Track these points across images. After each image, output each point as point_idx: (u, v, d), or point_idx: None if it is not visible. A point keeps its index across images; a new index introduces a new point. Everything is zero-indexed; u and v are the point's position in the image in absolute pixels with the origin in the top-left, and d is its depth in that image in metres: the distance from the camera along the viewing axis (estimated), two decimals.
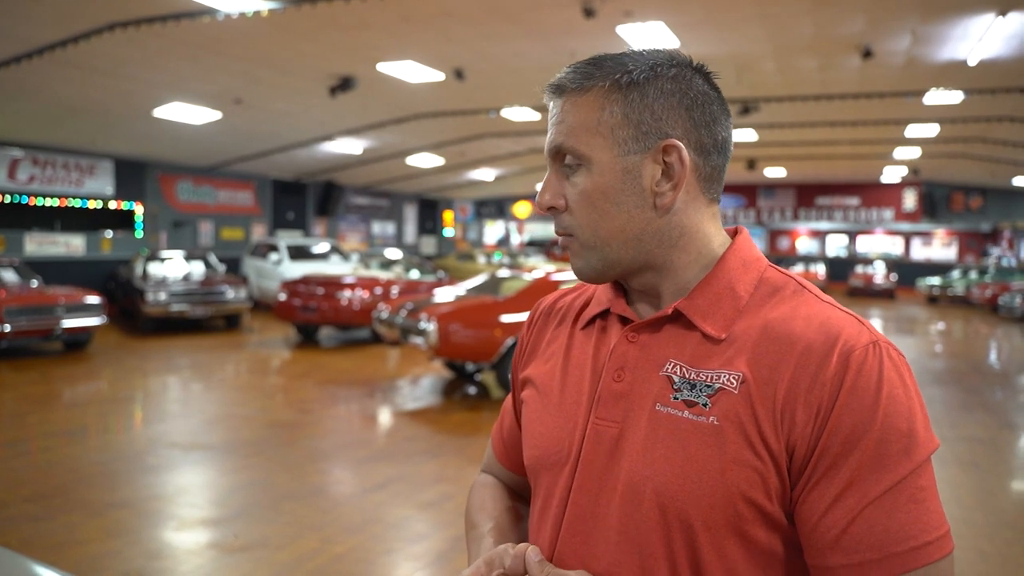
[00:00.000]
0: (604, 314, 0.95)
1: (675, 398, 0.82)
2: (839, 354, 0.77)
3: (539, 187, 0.92)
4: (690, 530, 0.79)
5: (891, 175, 22.60)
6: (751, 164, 19.39)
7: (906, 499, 0.75)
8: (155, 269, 12.59)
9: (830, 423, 0.76)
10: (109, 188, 14.63)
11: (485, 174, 21.46)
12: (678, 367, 0.84)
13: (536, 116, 12.70)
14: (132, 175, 15.09)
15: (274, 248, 15.65)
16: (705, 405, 0.80)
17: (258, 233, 18.15)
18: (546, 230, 27.82)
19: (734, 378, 0.80)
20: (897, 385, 0.77)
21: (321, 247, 16.32)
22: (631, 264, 0.89)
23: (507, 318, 7.34)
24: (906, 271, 24.57)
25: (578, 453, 0.87)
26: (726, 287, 0.87)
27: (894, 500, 0.75)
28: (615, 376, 0.87)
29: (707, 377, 0.81)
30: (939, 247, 25.55)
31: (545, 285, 7.86)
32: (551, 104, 0.90)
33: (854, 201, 24.99)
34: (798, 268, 24.10)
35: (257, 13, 7.29)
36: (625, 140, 0.85)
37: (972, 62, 8.94)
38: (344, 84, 10.12)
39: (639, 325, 0.89)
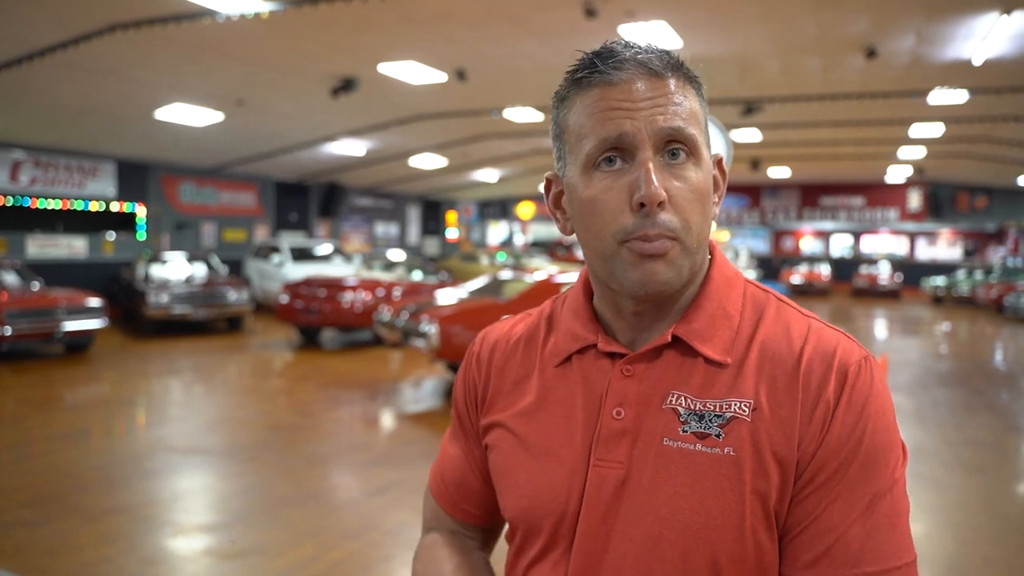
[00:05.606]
0: (582, 349, 0.88)
1: (684, 431, 0.78)
2: (837, 371, 0.77)
3: (588, 182, 0.80)
4: (716, 568, 0.76)
5: (896, 175, 22.50)
6: (755, 164, 19.31)
7: (884, 519, 0.75)
8: (157, 271, 12.57)
9: (828, 437, 0.76)
10: (111, 190, 14.63)
11: (489, 175, 21.44)
12: (682, 398, 0.80)
13: (539, 117, 12.64)
14: (134, 177, 15.08)
15: (276, 250, 15.65)
16: (718, 436, 0.77)
17: (261, 235, 18.14)
18: (549, 231, 27.70)
19: (745, 405, 0.78)
20: (885, 399, 0.79)
21: (324, 249, 16.30)
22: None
23: None
24: (911, 271, 24.45)
25: (579, 499, 0.82)
26: (718, 307, 0.84)
27: (874, 518, 0.75)
28: (614, 414, 0.82)
29: (716, 407, 0.78)
30: (944, 247, 25.43)
31: (547, 287, 7.81)
32: (640, 81, 0.77)
33: (858, 201, 24.90)
34: (802, 268, 24.00)
35: (257, 14, 7.27)
36: (705, 143, 0.82)
37: (977, 61, 8.88)
38: (346, 85, 10.10)
39: (634, 357, 0.84)
